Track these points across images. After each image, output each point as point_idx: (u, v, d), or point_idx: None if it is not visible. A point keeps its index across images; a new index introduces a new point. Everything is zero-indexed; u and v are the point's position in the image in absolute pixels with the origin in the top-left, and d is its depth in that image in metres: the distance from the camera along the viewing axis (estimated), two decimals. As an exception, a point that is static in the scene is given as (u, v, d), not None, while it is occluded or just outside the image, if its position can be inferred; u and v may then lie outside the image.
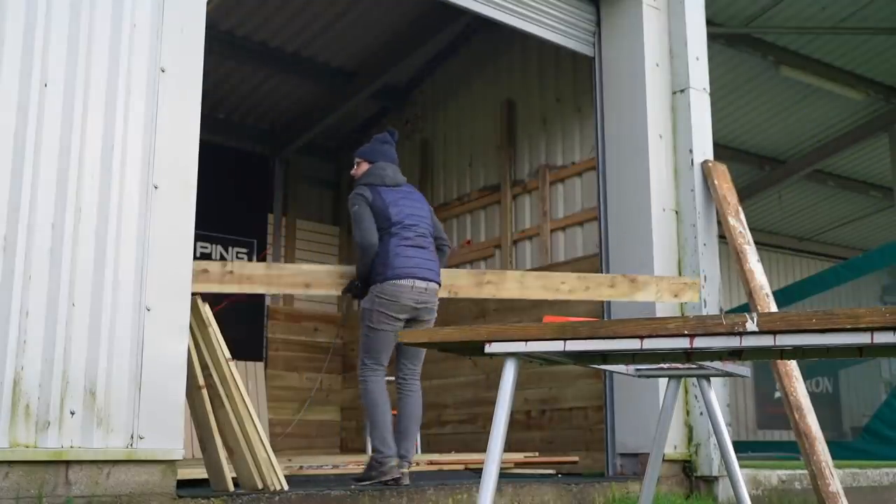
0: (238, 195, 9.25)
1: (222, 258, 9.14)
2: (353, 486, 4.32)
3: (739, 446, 4.71)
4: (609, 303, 6.00)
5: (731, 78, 9.25)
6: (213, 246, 9.11)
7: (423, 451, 7.65)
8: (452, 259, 8.51)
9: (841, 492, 5.10)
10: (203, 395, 4.07)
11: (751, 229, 5.91)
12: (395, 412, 4.81)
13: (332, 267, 5.68)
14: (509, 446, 6.70)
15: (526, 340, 2.23)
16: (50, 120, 3.64)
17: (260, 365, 9.15)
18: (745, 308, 7.77)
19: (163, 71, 3.98)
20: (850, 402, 12.34)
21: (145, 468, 3.65)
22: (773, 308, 5.56)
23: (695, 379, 4.55)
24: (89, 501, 3.47)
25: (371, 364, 4.73)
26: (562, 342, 2.18)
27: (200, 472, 4.26)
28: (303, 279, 4.90)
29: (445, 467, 5.94)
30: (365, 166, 5.00)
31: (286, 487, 4.04)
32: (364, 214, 4.75)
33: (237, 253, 9.26)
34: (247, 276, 4.67)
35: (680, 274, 5.88)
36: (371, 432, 4.78)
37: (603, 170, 6.29)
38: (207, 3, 4.23)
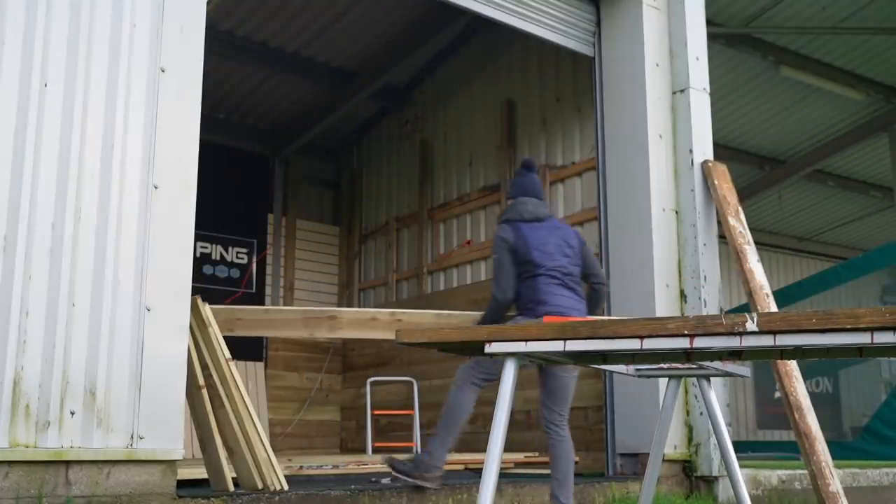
0: (238, 195, 9.25)
1: (222, 258, 9.14)
2: (385, 464, 4.23)
3: (739, 446, 4.71)
4: (609, 303, 6.00)
5: (731, 78, 9.24)
6: (213, 246, 9.11)
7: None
8: (454, 259, 8.51)
9: (841, 492, 5.10)
10: (203, 395, 4.08)
11: (751, 229, 5.91)
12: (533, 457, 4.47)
13: (466, 315, 5.24)
14: (509, 446, 6.69)
15: (526, 340, 2.22)
16: (50, 120, 3.64)
17: (260, 365, 9.15)
18: (746, 308, 7.76)
19: (163, 71, 3.98)
20: (850, 402, 12.34)
21: (145, 468, 3.65)
22: (773, 308, 5.55)
23: (695, 379, 4.55)
24: (89, 501, 3.47)
25: (478, 376, 4.43)
26: (562, 342, 2.18)
27: (200, 472, 4.26)
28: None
29: (445, 467, 5.93)
30: (509, 202, 4.77)
31: (286, 487, 4.04)
32: (504, 263, 4.46)
33: (237, 253, 9.26)
34: (415, 322, 4.50)
35: (680, 274, 5.88)
36: (438, 433, 4.48)
37: (603, 170, 6.29)
38: (207, 3, 4.23)
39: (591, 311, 4.60)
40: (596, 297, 4.66)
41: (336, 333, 4.17)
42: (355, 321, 4.27)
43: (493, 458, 2.24)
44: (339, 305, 9.92)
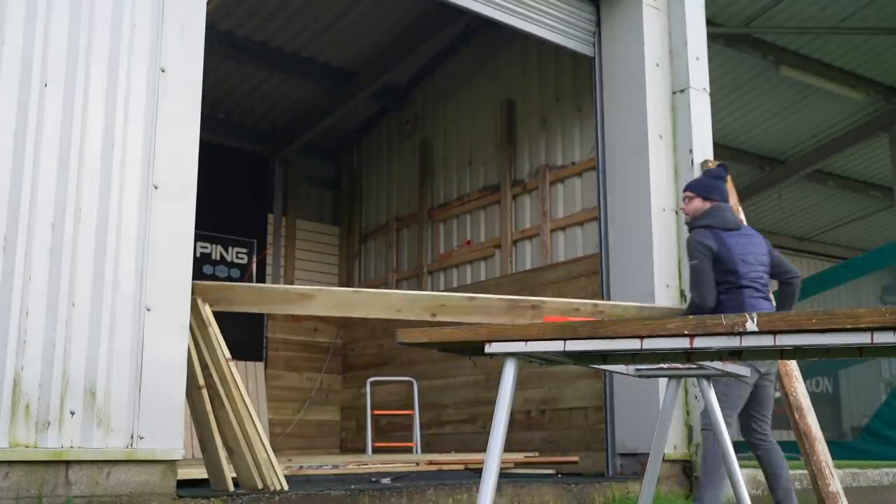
0: (238, 195, 9.25)
1: (222, 258, 9.14)
2: None
3: (739, 446, 4.70)
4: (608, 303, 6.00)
5: (731, 78, 9.25)
6: (213, 246, 9.11)
7: (423, 451, 7.66)
8: (454, 259, 8.52)
9: (841, 492, 5.10)
10: (203, 395, 4.07)
11: (751, 229, 5.90)
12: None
13: (667, 308, 5.23)
14: (509, 446, 6.70)
15: (526, 340, 2.23)
16: (50, 120, 3.64)
17: (260, 365, 9.15)
18: (745, 308, 7.75)
19: (163, 71, 3.98)
20: (850, 402, 12.34)
21: (145, 468, 3.65)
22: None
23: (695, 379, 4.55)
24: (89, 501, 3.47)
25: (727, 419, 4.26)
26: (562, 342, 2.18)
27: (200, 472, 4.26)
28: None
29: (445, 467, 5.94)
30: (698, 203, 4.62)
31: (286, 487, 4.04)
32: (706, 270, 4.35)
33: (237, 253, 9.26)
34: (616, 315, 4.39)
35: (680, 274, 5.88)
36: (709, 488, 4.34)
37: (603, 170, 6.29)
38: (207, 3, 4.23)
39: (786, 308, 4.52)
40: (791, 292, 4.59)
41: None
42: (557, 311, 4.14)
43: (493, 458, 2.24)
44: (339, 305, 9.91)
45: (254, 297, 3.95)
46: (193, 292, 4.03)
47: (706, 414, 4.32)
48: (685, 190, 4.80)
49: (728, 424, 4.25)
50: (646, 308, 4.77)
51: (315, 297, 3.96)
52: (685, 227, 5.92)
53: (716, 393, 4.18)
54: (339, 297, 4.08)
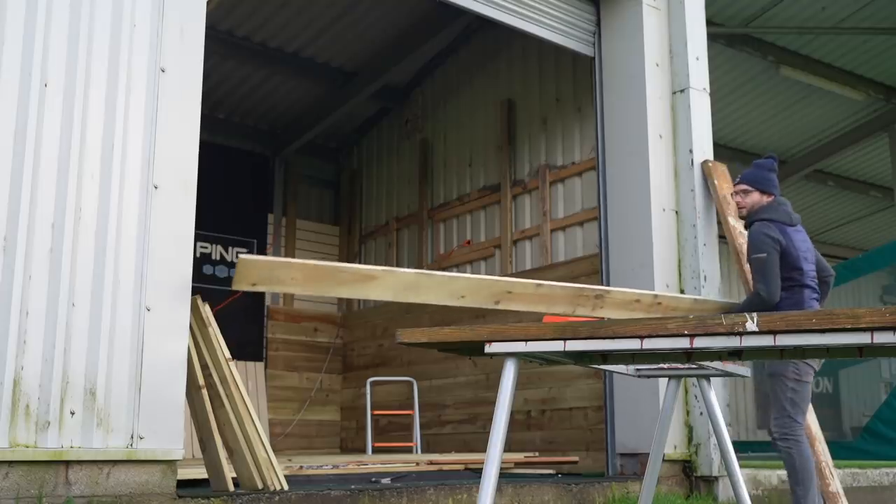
0: (238, 195, 9.26)
1: (222, 258, 9.14)
2: None
3: (739, 446, 4.70)
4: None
5: (731, 78, 9.25)
6: (213, 246, 9.11)
7: (423, 451, 7.66)
8: (454, 259, 8.52)
9: (841, 492, 5.10)
10: (203, 395, 4.08)
11: (751, 229, 5.90)
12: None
13: (722, 302, 5.07)
14: (509, 446, 6.71)
15: (526, 340, 2.22)
16: (50, 120, 3.64)
17: (260, 365, 9.15)
18: (745, 308, 7.75)
19: (163, 71, 3.98)
20: (850, 402, 12.34)
21: (145, 468, 3.65)
22: (774, 308, 5.55)
23: (695, 379, 4.55)
24: (89, 501, 3.47)
25: (800, 421, 4.20)
26: (562, 342, 2.18)
27: (200, 472, 4.26)
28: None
29: (445, 467, 5.94)
30: (757, 196, 4.52)
31: (286, 487, 4.04)
32: (774, 263, 4.24)
33: (237, 253, 9.26)
34: (672, 307, 4.28)
35: (680, 274, 5.88)
36: (803, 499, 4.21)
37: (603, 170, 6.29)
38: (207, 3, 4.23)
39: (823, 303, 4.48)
40: (826, 291, 4.56)
41: (597, 312, 3.92)
42: (619, 302, 4.00)
43: (493, 458, 2.24)
44: (340, 305, 9.93)
45: (307, 277, 3.44)
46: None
47: (782, 422, 4.20)
48: (741, 182, 4.61)
49: (801, 426, 4.15)
50: (700, 301, 4.62)
51: (378, 278, 3.49)
52: (685, 227, 5.93)
53: (785, 400, 4.11)
54: (405, 279, 3.52)
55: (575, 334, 2.16)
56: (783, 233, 4.32)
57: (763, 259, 4.26)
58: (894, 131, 10.65)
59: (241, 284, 3.31)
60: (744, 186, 4.56)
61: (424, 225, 8.96)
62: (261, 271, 3.39)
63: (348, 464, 5.53)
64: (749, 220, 4.53)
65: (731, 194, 4.64)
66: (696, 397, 5.63)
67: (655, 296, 4.23)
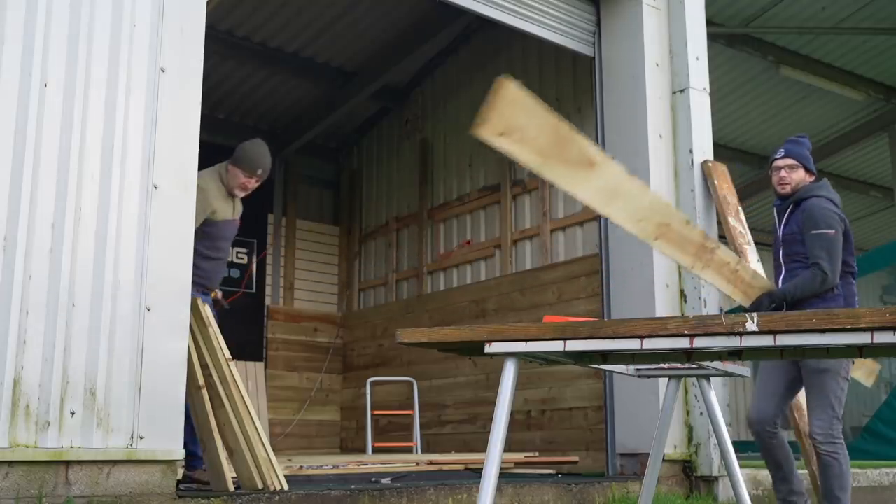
0: (238, 195, 9.23)
1: (222, 258, 9.13)
2: None
3: (739, 446, 4.70)
4: (609, 303, 6.00)
5: (731, 78, 9.24)
6: (213, 246, 9.09)
7: (423, 451, 7.66)
8: (454, 259, 8.51)
9: (841, 492, 5.09)
10: (203, 395, 4.08)
11: (751, 229, 5.90)
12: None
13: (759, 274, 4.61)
14: (509, 446, 6.70)
15: (526, 340, 2.23)
16: (50, 120, 3.64)
17: (260, 365, 9.15)
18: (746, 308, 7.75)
19: (163, 71, 3.98)
20: (849, 402, 12.30)
21: (145, 468, 3.65)
22: (773, 308, 5.54)
23: (695, 379, 4.55)
24: (89, 501, 3.47)
25: (840, 424, 3.92)
26: (562, 342, 2.18)
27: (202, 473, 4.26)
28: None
29: (445, 467, 5.94)
30: (802, 173, 4.23)
31: (286, 487, 4.04)
32: (840, 242, 3.96)
33: (237, 253, 9.25)
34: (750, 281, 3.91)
35: (680, 273, 5.87)
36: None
37: (603, 170, 6.28)
38: (207, 3, 4.23)
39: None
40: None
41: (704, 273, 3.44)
42: (719, 263, 3.54)
43: (493, 458, 2.24)
44: (340, 305, 9.93)
45: (547, 141, 2.96)
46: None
47: (830, 423, 3.91)
48: (788, 156, 4.27)
49: (836, 444, 3.89)
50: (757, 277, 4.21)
51: (597, 165, 2.95)
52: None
53: (833, 399, 3.86)
54: (613, 179, 2.94)
55: (575, 334, 2.16)
56: (843, 217, 4.08)
57: (832, 236, 3.95)
58: (894, 131, 10.65)
59: (486, 130, 2.77)
60: (791, 161, 4.24)
61: (424, 225, 8.95)
62: (518, 116, 2.79)
63: (348, 464, 5.53)
64: (798, 196, 4.21)
65: (772, 169, 4.30)
66: (696, 397, 5.63)
67: (740, 261, 3.75)
